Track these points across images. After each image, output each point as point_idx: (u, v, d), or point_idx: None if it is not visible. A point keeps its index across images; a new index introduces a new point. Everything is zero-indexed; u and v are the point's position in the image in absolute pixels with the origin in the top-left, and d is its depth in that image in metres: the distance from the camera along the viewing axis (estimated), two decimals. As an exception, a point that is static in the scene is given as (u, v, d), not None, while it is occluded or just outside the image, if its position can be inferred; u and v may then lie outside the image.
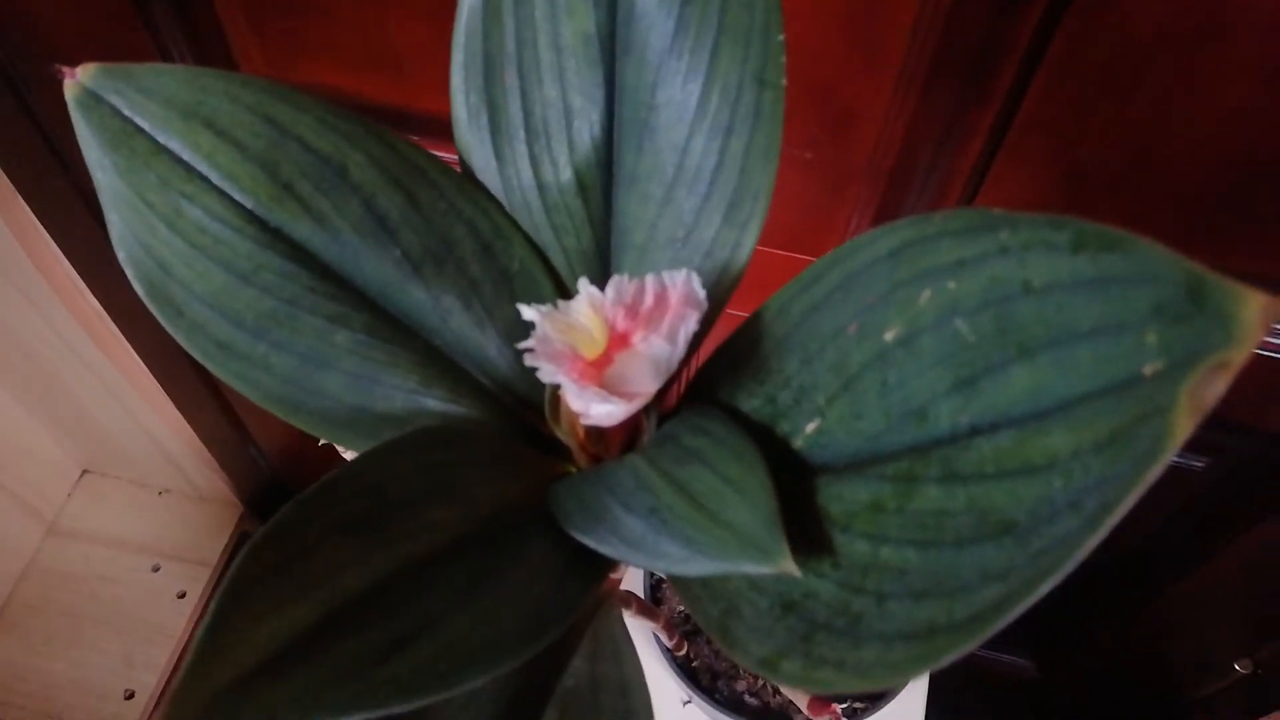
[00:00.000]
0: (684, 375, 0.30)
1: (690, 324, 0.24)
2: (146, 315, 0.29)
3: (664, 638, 0.54)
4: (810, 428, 0.26)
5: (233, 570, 0.20)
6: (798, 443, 0.27)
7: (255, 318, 0.29)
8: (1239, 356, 0.17)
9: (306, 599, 0.21)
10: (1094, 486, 0.18)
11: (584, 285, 0.25)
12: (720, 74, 0.29)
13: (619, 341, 0.25)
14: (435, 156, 0.32)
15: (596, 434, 0.29)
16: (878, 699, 0.56)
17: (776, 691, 0.56)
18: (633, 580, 0.60)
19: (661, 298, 0.25)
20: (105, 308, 0.77)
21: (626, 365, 0.25)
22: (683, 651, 0.57)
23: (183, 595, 1.03)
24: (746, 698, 0.57)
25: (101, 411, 0.95)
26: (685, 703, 0.57)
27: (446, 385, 0.31)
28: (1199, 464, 0.66)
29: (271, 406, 0.29)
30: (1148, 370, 0.18)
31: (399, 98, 0.57)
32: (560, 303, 0.25)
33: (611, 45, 0.30)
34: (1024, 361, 0.21)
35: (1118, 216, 0.51)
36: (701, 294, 0.24)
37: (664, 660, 0.56)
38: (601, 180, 0.32)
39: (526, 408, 0.32)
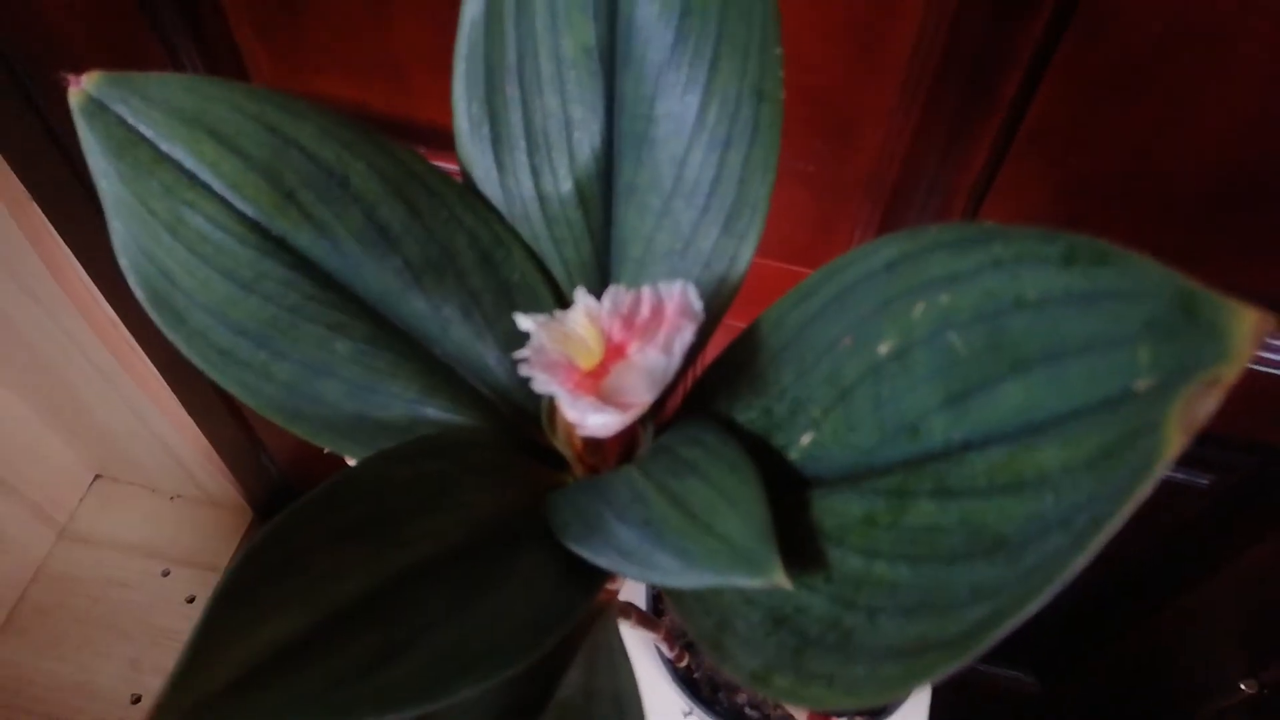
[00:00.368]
0: (683, 386, 0.30)
1: (686, 335, 0.24)
2: (159, 322, 0.29)
3: (665, 649, 0.54)
4: (805, 440, 0.26)
5: (225, 577, 0.20)
6: (793, 455, 0.26)
7: (256, 325, 0.29)
8: (1231, 373, 0.17)
9: (299, 606, 0.21)
10: (1085, 503, 0.18)
11: (580, 296, 0.25)
12: (719, 86, 0.29)
13: (615, 352, 0.25)
14: (436, 167, 0.32)
15: (593, 445, 0.29)
16: (878, 714, 0.56)
17: (777, 704, 0.56)
18: (635, 591, 0.59)
19: (657, 309, 0.25)
20: (119, 314, 0.78)
21: (622, 376, 0.25)
22: (684, 663, 0.57)
23: (192, 600, 1.04)
24: (747, 710, 0.56)
25: (114, 417, 0.95)
26: (686, 714, 0.57)
27: (446, 395, 0.31)
28: (1203, 481, 0.65)
29: (272, 414, 0.29)
30: (1139, 386, 0.18)
31: (402, 108, 0.58)
32: (556, 313, 0.25)
33: (611, 57, 0.31)
34: (1016, 376, 0.21)
35: (1123, 225, 0.51)
36: (698, 305, 0.24)
37: (665, 671, 0.56)
38: (601, 191, 0.32)
39: (525, 418, 0.32)
